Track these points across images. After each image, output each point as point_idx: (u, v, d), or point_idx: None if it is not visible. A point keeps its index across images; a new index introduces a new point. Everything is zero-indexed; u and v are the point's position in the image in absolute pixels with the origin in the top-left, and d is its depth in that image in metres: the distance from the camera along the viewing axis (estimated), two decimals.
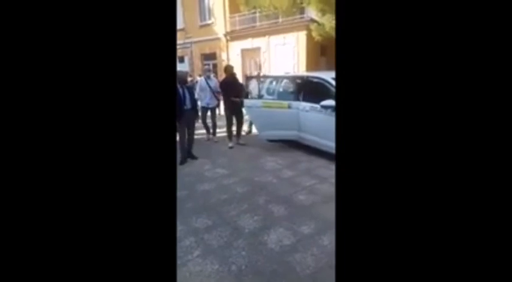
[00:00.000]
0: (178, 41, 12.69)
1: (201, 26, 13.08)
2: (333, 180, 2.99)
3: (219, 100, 5.27)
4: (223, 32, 12.17)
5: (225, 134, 5.05)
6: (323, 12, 7.96)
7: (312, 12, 9.13)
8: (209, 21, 12.74)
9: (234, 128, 4.97)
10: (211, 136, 5.32)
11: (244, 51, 11.90)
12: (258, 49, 11.41)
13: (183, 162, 4.01)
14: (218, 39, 12.51)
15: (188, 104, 4.01)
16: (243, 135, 5.39)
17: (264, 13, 10.14)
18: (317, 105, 3.87)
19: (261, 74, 7.65)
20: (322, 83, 3.94)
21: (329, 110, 3.66)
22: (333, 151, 3.44)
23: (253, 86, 5.22)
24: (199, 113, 4.95)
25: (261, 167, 3.81)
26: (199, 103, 4.99)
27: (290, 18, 9.95)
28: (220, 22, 12.24)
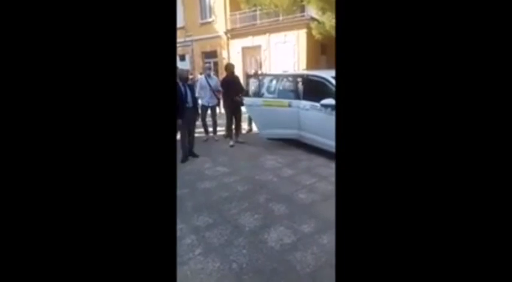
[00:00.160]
0: (179, 39, 12.67)
1: (202, 24, 13.03)
2: (333, 178, 2.99)
3: (219, 99, 5.25)
4: (224, 30, 12.13)
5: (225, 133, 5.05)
6: (323, 10, 7.94)
7: (313, 11, 9.11)
8: (210, 19, 12.70)
9: (233, 127, 4.97)
10: (211, 134, 5.31)
11: (244, 49, 11.88)
12: (258, 47, 11.38)
13: (184, 160, 4.02)
14: (219, 37, 12.47)
15: (190, 102, 4.02)
16: (243, 134, 5.39)
17: (265, 11, 10.12)
18: (317, 104, 3.86)
19: (259, 73, 7.62)
20: (323, 82, 3.93)
21: (329, 109, 3.66)
22: (333, 150, 3.44)
23: (252, 84, 5.21)
24: (199, 112, 4.95)
25: (262, 166, 3.81)
26: (199, 102, 4.99)
27: (290, 16, 9.92)
28: (220, 20, 12.20)
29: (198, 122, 4.74)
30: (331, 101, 3.61)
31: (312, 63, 10.12)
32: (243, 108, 4.90)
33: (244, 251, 1.99)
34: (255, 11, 10.67)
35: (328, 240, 2.08)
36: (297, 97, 4.40)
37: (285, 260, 1.89)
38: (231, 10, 11.77)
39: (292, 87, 4.81)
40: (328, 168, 3.56)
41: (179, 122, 3.77)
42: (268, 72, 9.97)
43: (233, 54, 12.16)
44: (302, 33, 10.01)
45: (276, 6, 9.22)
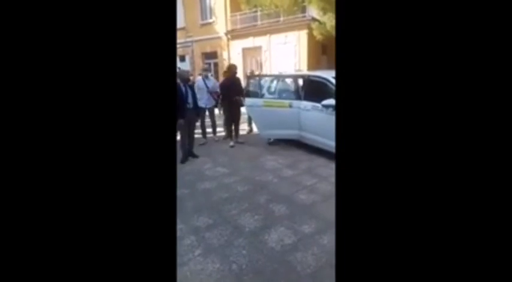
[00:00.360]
0: (180, 40, 12.69)
1: (202, 25, 13.06)
2: (334, 179, 2.99)
3: (216, 101, 5.20)
4: (225, 31, 12.15)
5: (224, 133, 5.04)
6: (324, 11, 7.95)
7: (313, 11, 9.12)
8: (210, 20, 12.72)
9: (233, 128, 4.96)
10: (210, 135, 5.29)
11: (245, 50, 11.89)
12: (259, 48, 11.40)
13: (184, 160, 4.02)
14: (219, 38, 12.49)
15: (190, 103, 4.02)
16: (243, 135, 5.39)
17: (265, 12, 10.13)
18: (318, 105, 3.86)
19: (256, 73, 7.59)
20: (324, 82, 3.93)
21: (330, 109, 3.66)
22: (334, 150, 3.43)
23: (251, 85, 5.20)
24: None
25: (262, 166, 3.81)
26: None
27: (291, 17, 9.93)
28: (221, 21, 12.22)
29: (198, 123, 4.75)
30: (332, 102, 3.61)
31: (313, 63, 10.13)
32: (243, 109, 4.90)
33: (245, 252, 1.99)
34: (256, 11, 10.68)
35: (329, 240, 2.07)
36: (298, 97, 4.40)
37: (286, 261, 1.88)
38: (232, 11, 11.79)
39: (292, 88, 4.81)
40: (329, 169, 3.55)
41: (180, 122, 3.77)
42: (268, 73, 9.97)
43: (233, 55, 12.17)
44: (303, 34, 10.02)
45: (277, 6, 9.23)
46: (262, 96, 4.84)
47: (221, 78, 6.68)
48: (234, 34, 11.97)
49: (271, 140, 4.92)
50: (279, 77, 5.65)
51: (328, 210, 2.50)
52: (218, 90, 5.02)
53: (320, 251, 1.97)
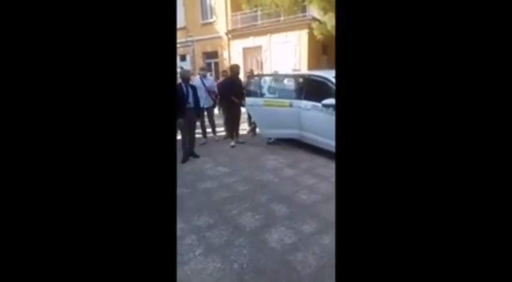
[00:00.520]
0: (180, 40, 12.69)
1: (203, 25, 13.05)
2: (334, 179, 2.98)
3: (214, 100, 5.18)
4: (225, 31, 12.14)
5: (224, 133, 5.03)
6: (325, 10, 7.92)
7: (314, 11, 9.10)
8: (211, 20, 12.72)
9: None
10: (210, 135, 5.29)
11: (245, 50, 11.88)
12: (259, 48, 11.39)
13: (184, 160, 4.02)
14: (220, 37, 12.48)
15: (191, 103, 4.02)
16: (244, 135, 5.39)
17: (266, 11, 10.11)
18: (318, 104, 3.86)
19: (255, 73, 7.58)
20: (324, 82, 3.93)
21: (330, 109, 3.66)
22: (334, 150, 3.43)
23: (252, 84, 5.19)
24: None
25: (262, 166, 3.81)
26: None
27: (292, 16, 9.92)
28: (221, 20, 12.21)
29: (198, 123, 4.74)
30: (332, 101, 3.61)
31: (313, 63, 10.12)
32: (243, 109, 4.90)
33: (245, 251, 1.99)
34: (256, 11, 10.67)
35: (330, 240, 2.07)
36: (298, 97, 4.40)
37: (286, 261, 1.88)
38: (232, 11, 11.78)
39: (293, 87, 4.80)
40: (330, 169, 3.55)
41: (179, 121, 3.77)
42: (268, 72, 9.96)
43: (234, 54, 12.17)
44: (303, 34, 10.01)
45: (277, 6, 9.22)
46: (262, 95, 4.84)
47: (222, 78, 6.68)
48: (234, 34, 11.96)
49: (272, 139, 4.92)
50: (280, 77, 5.64)
51: (329, 210, 2.50)
52: (215, 89, 5.00)
53: (321, 251, 1.97)
